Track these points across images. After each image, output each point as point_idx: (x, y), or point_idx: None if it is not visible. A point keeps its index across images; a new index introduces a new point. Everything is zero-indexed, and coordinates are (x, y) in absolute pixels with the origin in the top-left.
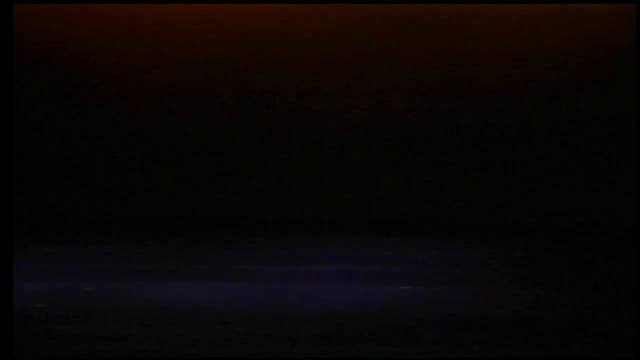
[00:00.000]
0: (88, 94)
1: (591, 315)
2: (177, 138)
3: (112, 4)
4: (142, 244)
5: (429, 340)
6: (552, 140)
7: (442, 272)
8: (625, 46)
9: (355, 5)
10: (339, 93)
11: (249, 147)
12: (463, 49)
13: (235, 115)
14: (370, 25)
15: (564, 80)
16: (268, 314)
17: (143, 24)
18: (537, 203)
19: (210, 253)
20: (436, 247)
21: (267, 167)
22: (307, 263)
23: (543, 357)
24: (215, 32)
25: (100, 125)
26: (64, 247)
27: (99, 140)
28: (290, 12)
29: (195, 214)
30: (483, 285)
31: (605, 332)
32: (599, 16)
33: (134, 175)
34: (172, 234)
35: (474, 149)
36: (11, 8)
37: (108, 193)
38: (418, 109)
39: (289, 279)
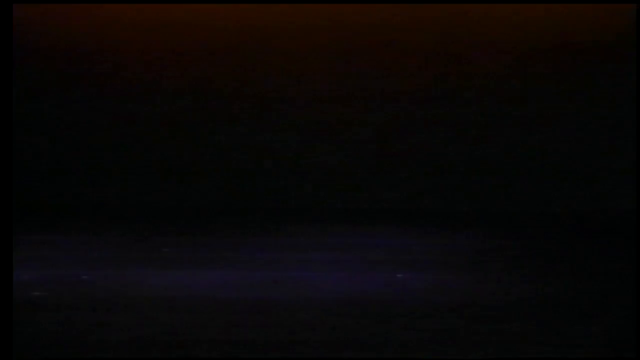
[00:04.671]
0: (88, 91)
1: (591, 311)
2: (174, 131)
3: (112, 4)
4: (140, 232)
5: (427, 330)
6: (552, 138)
7: (438, 260)
8: (625, 46)
9: (354, 5)
10: (336, 88)
11: (246, 140)
12: (462, 48)
13: (233, 109)
14: (367, 23)
15: (563, 80)
16: (264, 303)
17: (142, 24)
18: (536, 193)
19: (207, 242)
20: (432, 235)
21: (263, 158)
22: (302, 251)
23: (542, 357)
24: (215, 30)
25: (97, 119)
26: (62, 235)
27: (97, 133)
28: (287, 12)
29: (193, 203)
30: (479, 274)
31: (605, 330)
32: (599, 16)
33: (133, 166)
34: (169, 223)
35: (473, 141)
36: (11, 8)
37: (106, 183)
38: (417, 100)
39: (284, 268)
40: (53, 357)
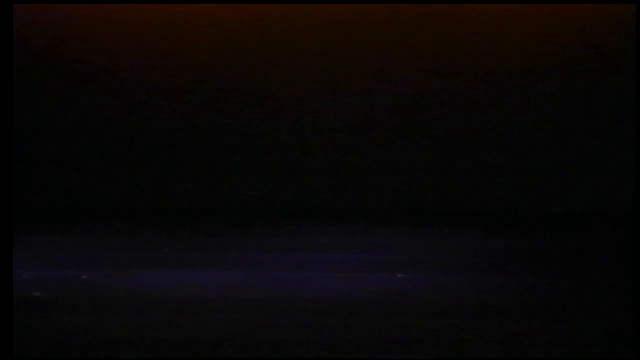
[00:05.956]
0: (87, 91)
1: (591, 311)
2: (173, 131)
3: (112, 4)
4: (139, 233)
5: (427, 330)
6: (552, 137)
7: (438, 260)
8: (625, 46)
9: (354, 5)
10: (335, 87)
11: (246, 140)
12: (462, 48)
13: (234, 108)
14: (367, 24)
15: (563, 80)
16: (266, 303)
17: (142, 24)
18: (536, 193)
19: (207, 242)
20: (432, 235)
21: (263, 158)
22: (303, 252)
23: (542, 357)
24: (213, 31)
25: (98, 118)
26: (62, 236)
27: (98, 133)
28: (286, 12)
29: (192, 204)
30: (479, 274)
31: (605, 329)
32: (599, 16)
33: (131, 167)
34: (169, 223)
35: (473, 141)
36: (11, 8)
37: (105, 184)
38: (417, 100)
39: (287, 268)
40: (53, 357)
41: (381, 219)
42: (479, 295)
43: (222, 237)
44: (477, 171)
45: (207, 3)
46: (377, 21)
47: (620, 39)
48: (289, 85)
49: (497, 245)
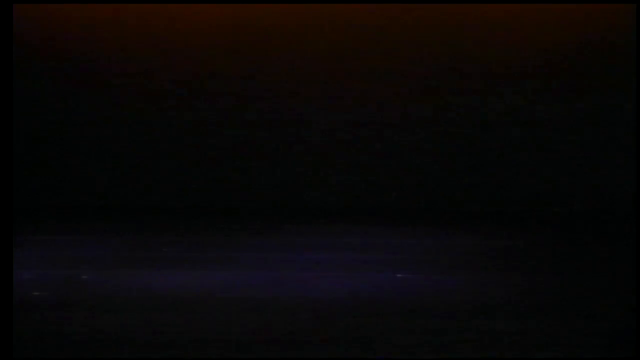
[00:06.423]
0: (87, 91)
1: (591, 311)
2: (173, 131)
3: (112, 4)
4: (140, 232)
5: (427, 330)
6: (551, 137)
7: (437, 260)
8: (625, 46)
9: (354, 5)
10: (336, 87)
11: (246, 140)
12: (460, 48)
13: (233, 108)
14: (366, 23)
15: (563, 79)
16: (264, 302)
17: (140, 24)
18: (536, 193)
19: (207, 242)
20: (432, 235)
21: (263, 158)
22: (302, 251)
23: (542, 357)
24: (213, 31)
25: (98, 118)
26: (62, 235)
27: (97, 132)
28: (287, 11)
29: (192, 203)
30: (479, 274)
31: (604, 329)
32: (599, 16)
33: (132, 166)
34: (169, 223)
35: (473, 141)
36: (11, 8)
37: (106, 183)
38: (416, 100)
39: (284, 267)
40: (53, 357)
41: (381, 219)
42: (478, 295)
43: (221, 237)
44: (478, 171)
45: (206, 3)
46: (379, 21)
47: (621, 39)
48: (290, 85)
49: (496, 245)
